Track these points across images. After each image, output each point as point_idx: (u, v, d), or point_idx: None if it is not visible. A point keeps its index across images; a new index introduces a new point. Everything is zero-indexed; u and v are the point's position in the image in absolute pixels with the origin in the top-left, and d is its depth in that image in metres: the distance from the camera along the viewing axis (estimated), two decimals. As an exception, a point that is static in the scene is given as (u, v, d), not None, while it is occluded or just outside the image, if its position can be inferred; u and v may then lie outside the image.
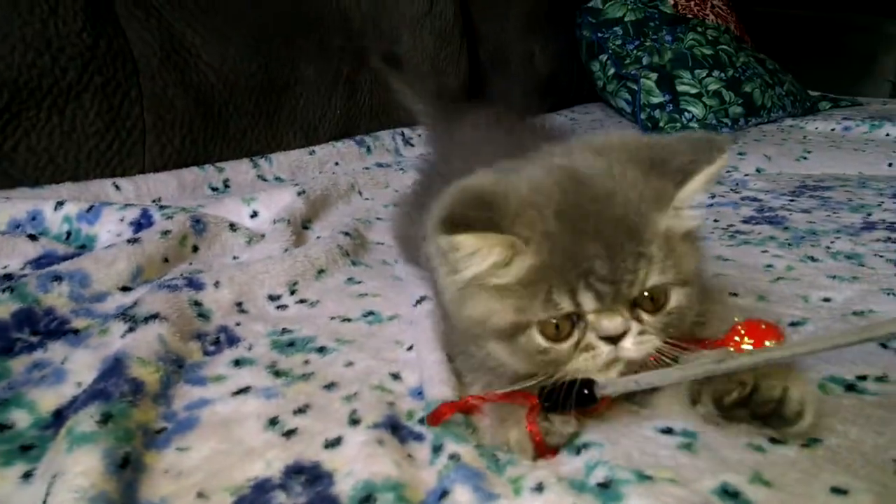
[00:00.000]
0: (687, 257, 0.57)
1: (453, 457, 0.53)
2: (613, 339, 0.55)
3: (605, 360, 0.55)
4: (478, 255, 0.54)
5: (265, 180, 1.39)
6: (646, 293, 0.55)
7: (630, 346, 0.55)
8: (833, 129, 2.19)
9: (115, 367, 0.63)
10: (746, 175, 1.66)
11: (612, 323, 0.54)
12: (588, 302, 0.53)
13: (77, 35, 1.16)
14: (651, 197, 0.55)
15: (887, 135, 2.06)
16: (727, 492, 0.50)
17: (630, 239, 0.53)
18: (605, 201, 0.54)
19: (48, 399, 0.63)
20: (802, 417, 0.54)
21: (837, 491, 0.50)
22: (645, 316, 0.55)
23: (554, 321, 0.54)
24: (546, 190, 0.55)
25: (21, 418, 0.61)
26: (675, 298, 0.56)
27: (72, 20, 1.16)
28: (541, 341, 0.55)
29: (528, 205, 0.54)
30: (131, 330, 0.70)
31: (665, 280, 0.55)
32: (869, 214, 1.25)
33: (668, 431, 0.59)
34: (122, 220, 0.99)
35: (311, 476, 0.53)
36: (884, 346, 0.73)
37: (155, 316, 0.72)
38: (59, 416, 0.61)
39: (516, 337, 0.55)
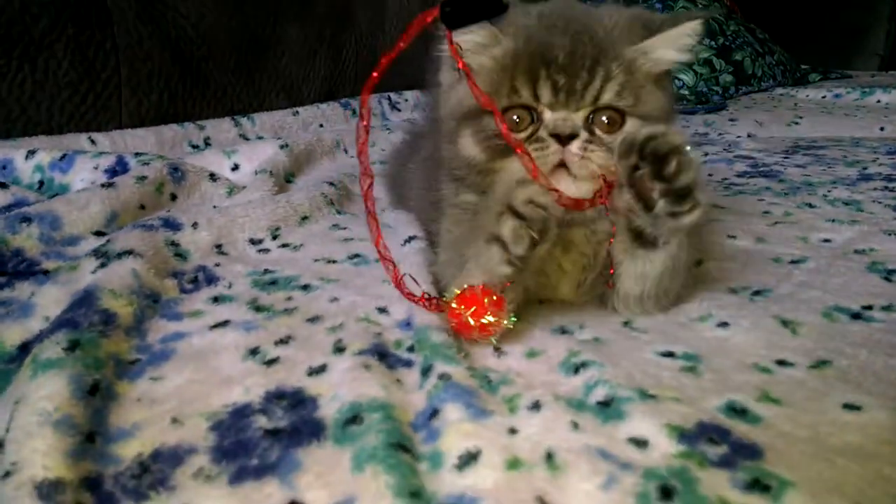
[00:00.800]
0: (652, 97, 0.61)
1: (443, 377, 0.50)
2: (562, 140, 0.58)
3: (551, 159, 0.58)
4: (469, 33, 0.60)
5: (247, 139, 1.35)
6: (604, 117, 0.59)
7: (576, 151, 0.58)
8: (824, 97, 2.17)
9: (85, 298, 0.59)
10: (739, 137, 1.64)
11: (560, 117, 0.59)
12: (546, 94, 0.58)
13: (48, -18, 1.11)
14: (625, 33, 0.61)
15: (878, 101, 2.04)
16: (734, 409, 0.48)
17: (594, 46, 0.59)
18: (583, 17, 0.62)
19: (13, 333, 0.59)
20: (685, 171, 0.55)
21: (850, 407, 0.48)
22: (598, 131, 0.59)
23: (514, 115, 0.60)
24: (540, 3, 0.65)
25: (-16, 353, 0.57)
26: (631, 126, 0.59)
27: (43, -33, 1.11)
28: (499, 126, 0.58)
29: (520, 8, 0.62)
30: (103, 266, 0.66)
31: (622, 103, 0.59)
32: (865, 168, 1.23)
33: (669, 355, 0.56)
34: (96, 167, 0.95)
35: (293, 401, 0.50)
36: (888, 279, 0.71)
37: (129, 252, 0.68)
38: (25, 350, 0.57)
39: (481, 118, 0.60)
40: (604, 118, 0.59)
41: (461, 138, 0.62)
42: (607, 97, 0.59)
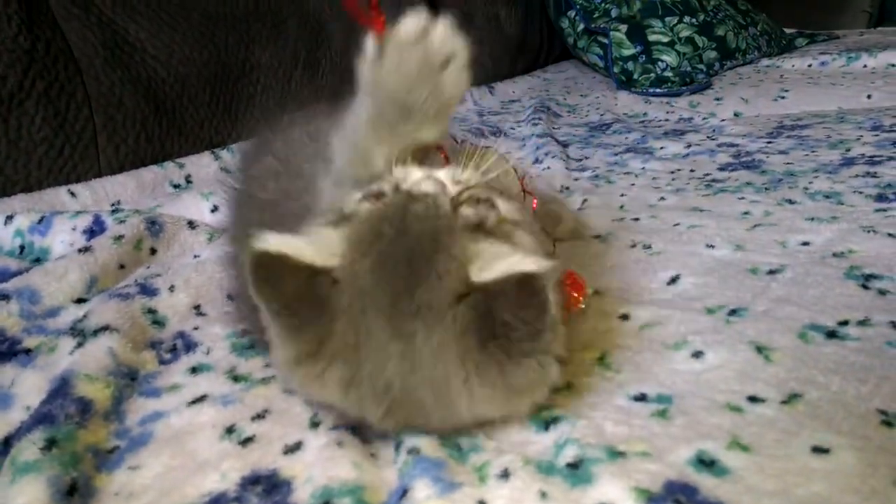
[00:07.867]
0: None
1: (412, 451, 0.50)
2: None
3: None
4: None
5: (229, 172, 1.34)
6: None
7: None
8: (810, 66, 2.15)
9: (60, 388, 0.60)
10: (723, 120, 1.62)
11: None
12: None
13: (13, 40, 1.11)
14: None
15: (864, 66, 2.02)
16: (703, 461, 0.48)
17: None
18: None
19: (-5, 427, 0.60)
20: None
21: (818, 450, 0.48)
22: None
23: None
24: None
25: (-33, 450, 0.58)
26: None
27: (6, 24, 1.10)
28: None
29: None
30: (80, 345, 0.67)
31: None
32: (848, 150, 1.22)
33: (641, 398, 0.56)
34: (74, 228, 0.95)
35: (268, 486, 0.50)
36: (865, 287, 0.70)
37: (105, 328, 0.69)
38: (8, 445, 0.58)
39: None
40: None
41: None
42: None
